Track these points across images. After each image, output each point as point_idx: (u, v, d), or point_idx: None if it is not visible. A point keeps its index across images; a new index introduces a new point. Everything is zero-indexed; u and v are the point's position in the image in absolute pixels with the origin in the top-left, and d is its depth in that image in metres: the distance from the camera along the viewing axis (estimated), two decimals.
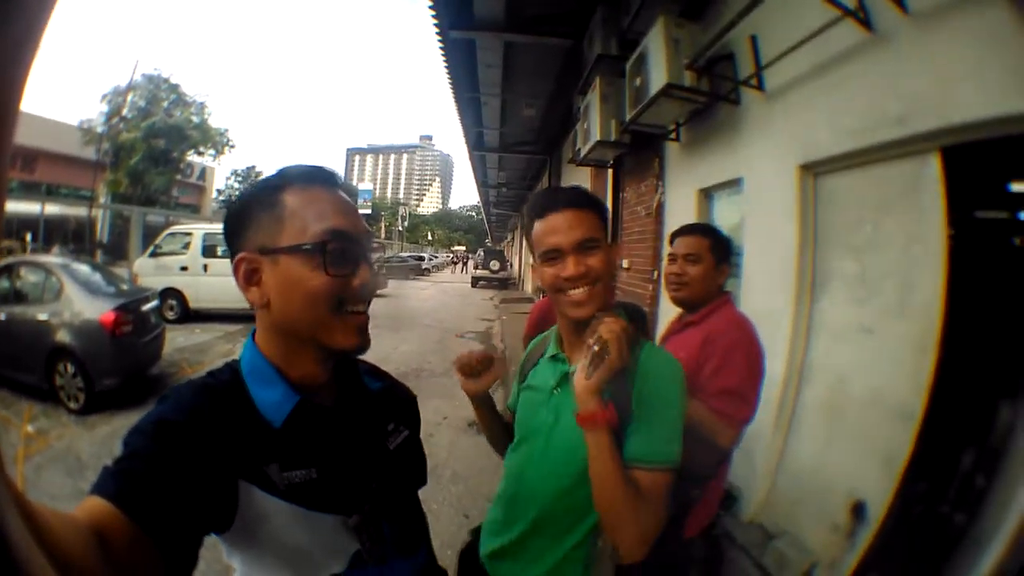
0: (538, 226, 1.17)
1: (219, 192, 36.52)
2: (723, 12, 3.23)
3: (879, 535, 2.02)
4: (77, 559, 0.46)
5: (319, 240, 0.76)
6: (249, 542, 0.74)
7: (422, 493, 1.04)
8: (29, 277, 5.76)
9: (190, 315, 10.30)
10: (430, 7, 5.23)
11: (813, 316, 2.66)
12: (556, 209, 1.15)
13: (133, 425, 0.67)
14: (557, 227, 1.13)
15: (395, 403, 1.01)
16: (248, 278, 0.78)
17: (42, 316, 5.39)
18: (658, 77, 3.44)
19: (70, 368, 5.24)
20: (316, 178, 0.81)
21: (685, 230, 1.84)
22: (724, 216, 3.87)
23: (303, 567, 0.77)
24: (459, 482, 3.97)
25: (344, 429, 0.84)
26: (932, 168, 2.01)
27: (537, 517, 1.17)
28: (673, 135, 4.30)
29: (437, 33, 5.84)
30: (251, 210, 0.79)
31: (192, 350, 8.04)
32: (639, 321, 1.44)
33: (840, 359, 2.48)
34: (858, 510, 2.17)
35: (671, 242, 1.85)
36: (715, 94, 3.41)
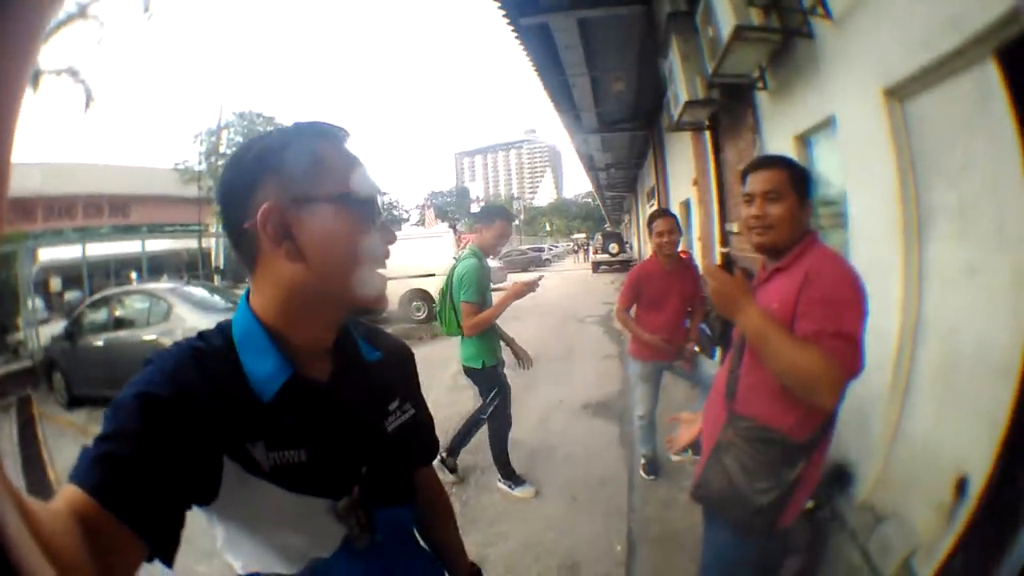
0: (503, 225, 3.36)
1: None
2: None
3: (975, 513, 1.68)
4: (66, 551, 0.47)
5: (368, 193, 0.75)
6: (232, 516, 0.72)
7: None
8: (135, 304, 6.49)
9: None
10: None
11: (923, 261, 2.29)
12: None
13: (118, 395, 0.63)
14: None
15: (396, 375, 0.95)
16: (279, 231, 0.70)
17: (148, 336, 6.01)
18: (726, 22, 3.22)
19: None
20: (341, 134, 0.78)
21: (759, 163, 1.58)
22: (825, 162, 3.50)
23: (287, 548, 0.75)
24: (571, 464, 3.97)
25: (337, 408, 0.79)
26: (991, 75, 1.66)
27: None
28: (759, 83, 3.96)
29: (508, 23, 5.88)
30: (277, 156, 0.72)
31: None
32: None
33: (950, 308, 2.12)
34: (961, 486, 1.82)
35: (743, 180, 1.60)
36: (785, 29, 3.10)
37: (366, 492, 0.81)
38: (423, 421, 0.99)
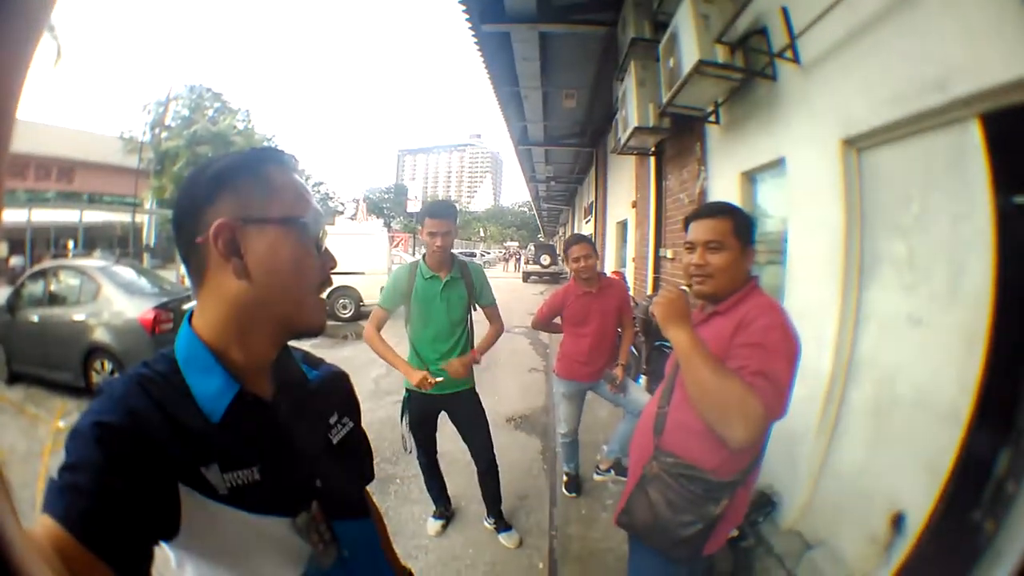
0: (428, 222, 2.73)
1: None
2: None
3: (915, 549, 1.80)
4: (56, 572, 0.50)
5: (313, 220, 0.79)
6: (197, 549, 0.71)
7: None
8: (68, 280, 6.15)
9: None
10: (460, 1, 5.18)
11: (861, 306, 2.41)
12: (440, 216, 2.73)
13: (74, 424, 0.64)
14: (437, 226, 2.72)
15: (335, 393, 0.99)
16: (229, 247, 0.72)
17: (78, 317, 5.74)
18: (690, 55, 3.28)
19: (107, 365, 5.55)
20: (292, 162, 0.82)
21: (702, 212, 1.59)
22: (768, 200, 3.65)
23: (257, 573, 0.75)
24: None
25: (284, 422, 0.81)
26: (973, 137, 1.77)
27: (451, 345, 2.84)
28: (712, 117, 4.08)
29: (470, 28, 5.80)
30: (233, 176, 0.75)
31: None
32: None
33: (888, 354, 2.24)
34: (897, 522, 1.95)
35: (686, 227, 1.61)
36: (749, 69, 3.20)
37: (325, 506, 0.83)
38: (362, 438, 1.02)
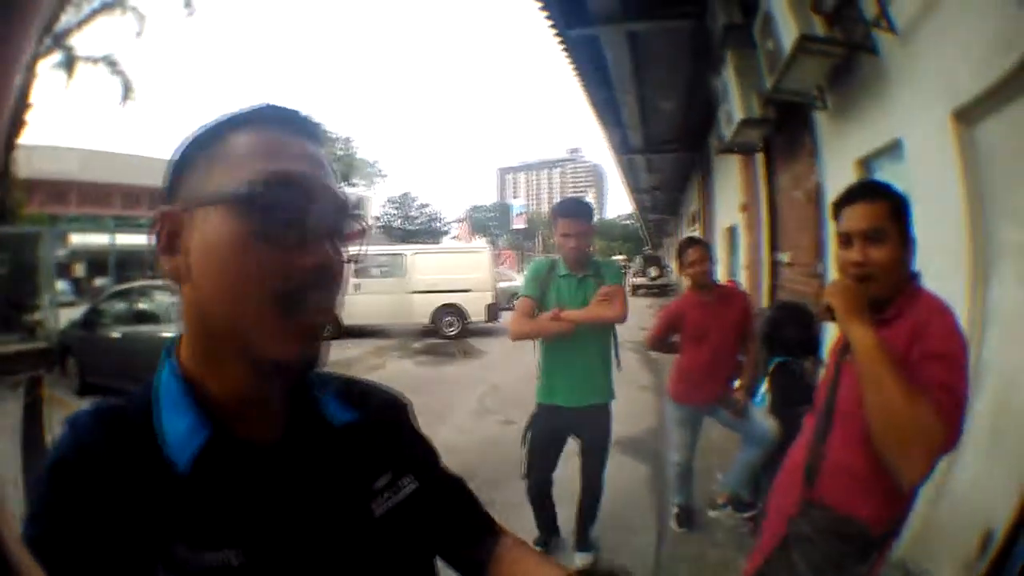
0: (561, 223, 2.62)
1: (376, 219, 42.12)
2: None
3: (989, 570, 1.46)
4: None
5: (256, 184, 0.51)
6: None
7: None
8: (156, 298, 6.63)
9: (343, 332, 10.49)
10: (541, 8, 5.17)
11: (987, 304, 2.05)
12: (573, 216, 2.64)
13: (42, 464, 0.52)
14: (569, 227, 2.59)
15: (384, 441, 0.69)
16: (169, 242, 0.54)
17: (167, 333, 6.11)
18: (788, 32, 3.03)
19: None
20: (281, 119, 0.57)
21: (855, 194, 1.33)
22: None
23: None
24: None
25: (291, 483, 0.57)
26: None
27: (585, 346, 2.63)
28: (818, 102, 3.73)
29: (556, 35, 5.76)
30: (188, 154, 0.56)
31: (339, 364, 8.73)
32: None
33: (1011, 356, 1.88)
34: (986, 542, 1.60)
35: (836, 215, 1.35)
36: (850, 42, 2.91)
37: None
38: (448, 487, 0.76)
